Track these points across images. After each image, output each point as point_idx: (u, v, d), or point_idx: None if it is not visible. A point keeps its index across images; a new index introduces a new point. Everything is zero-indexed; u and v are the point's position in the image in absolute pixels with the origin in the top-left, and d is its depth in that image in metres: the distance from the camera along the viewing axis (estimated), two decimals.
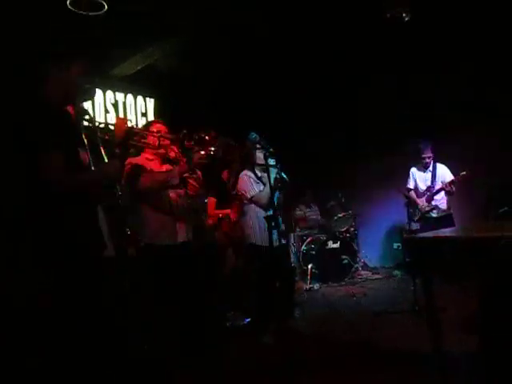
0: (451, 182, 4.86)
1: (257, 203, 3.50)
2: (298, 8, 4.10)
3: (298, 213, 6.73)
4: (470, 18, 4.49)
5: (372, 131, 6.15)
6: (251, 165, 3.49)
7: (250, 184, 3.54)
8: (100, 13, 3.60)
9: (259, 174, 3.56)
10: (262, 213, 3.47)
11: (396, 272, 6.08)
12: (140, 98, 5.11)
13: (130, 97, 5.01)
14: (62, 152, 1.82)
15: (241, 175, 3.60)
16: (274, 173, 3.36)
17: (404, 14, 4.30)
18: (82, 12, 3.56)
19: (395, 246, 6.59)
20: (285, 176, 3.50)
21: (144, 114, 5.12)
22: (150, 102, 5.21)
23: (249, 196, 3.52)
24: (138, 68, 4.66)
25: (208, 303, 3.56)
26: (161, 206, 2.95)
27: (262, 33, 4.50)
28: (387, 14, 4.28)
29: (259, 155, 3.39)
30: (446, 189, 4.89)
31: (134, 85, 5.00)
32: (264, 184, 3.49)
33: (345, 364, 2.91)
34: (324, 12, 4.23)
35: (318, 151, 6.70)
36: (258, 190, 3.49)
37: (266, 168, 3.17)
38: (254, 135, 2.85)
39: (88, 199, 2.01)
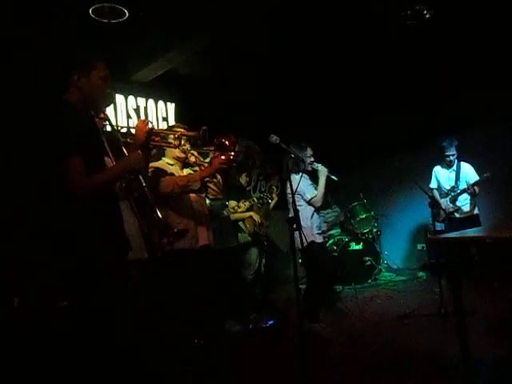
0: (474, 184, 4.73)
1: (312, 205, 3.80)
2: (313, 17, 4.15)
3: (321, 215, 6.69)
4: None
5: (394, 130, 6.06)
6: (302, 170, 3.71)
7: (307, 186, 3.81)
8: (121, 20, 3.66)
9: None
10: (315, 214, 3.85)
11: (420, 273, 5.96)
12: (161, 103, 5.17)
13: (151, 102, 5.07)
14: (83, 156, 1.84)
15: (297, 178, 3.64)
16: (324, 175, 3.78)
17: (425, 11, 4.23)
18: (103, 20, 3.63)
19: (419, 246, 6.47)
20: (334, 177, 3.87)
21: (165, 119, 5.18)
22: (171, 107, 5.26)
23: (308, 197, 3.77)
24: (159, 73, 4.71)
25: (227, 306, 3.58)
26: (182, 210, 2.98)
27: (279, 35, 4.50)
28: (408, 11, 4.21)
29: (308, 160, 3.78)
30: (469, 191, 4.76)
31: (155, 90, 5.06)
32: (315, 188, 3.84)
33: (368, 367, 2.86)
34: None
35: (340, 152, 6.65)
36: (314, 193, 3.78)
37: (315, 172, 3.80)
38: (274, 137, 2.84)
39: (110, 201, 2.03)
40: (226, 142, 2.90)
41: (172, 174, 2.98)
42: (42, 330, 2.53)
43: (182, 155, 3.05)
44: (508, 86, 4.99)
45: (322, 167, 3.86)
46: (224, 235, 3.94)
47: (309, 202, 3.80)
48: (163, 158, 3.08)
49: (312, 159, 3.93)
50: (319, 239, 3.91)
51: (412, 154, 5.94)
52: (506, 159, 5.10)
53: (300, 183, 3.59)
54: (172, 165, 3.05)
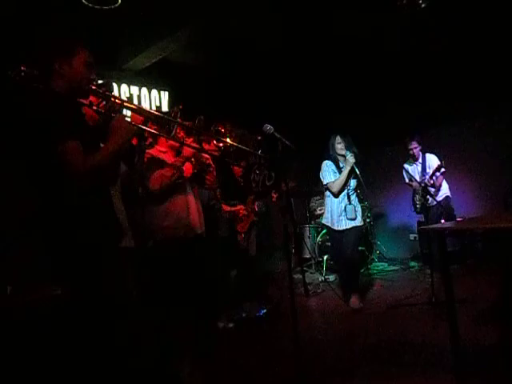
0: (432, 175, 4.84)
1: (328, 189, 4.00)
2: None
3: (312, 204, 6.71)
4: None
5: (387, 121, 6.06)
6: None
7: (328, 172, 3.99)
8: (113, 6, 3.60)
9: (341, 165, 4.01)
10: (335, 200, 4.03)
11: (412, 263, 6.03)
12: (154, 92, 5.13)
13: (144, 90, 5.03)
14: (78, 140, 1.81)
15: (323, 163, 4.06)
16: (349, 165, 3.88)
17: (420, 1, 4.20)
18: (96, 6, 3.57)
19: (411, 237, 6.52)
20: (357, 170, 3.92)
21: (158, 108, 5.14)
22: (164, 95, 5.22)
23: (325, 182, 4.00)
24: (152, 61, 4.66)
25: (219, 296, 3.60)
26: (176, 199, 2.96)
27: (275, 24, 4.47)
28: (403, 1, 4.18)
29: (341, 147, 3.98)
30: (429, 183, 4.83)
31: (149, 78, 5.02)
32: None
33: (359, 356, 2.90)
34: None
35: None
36: (332, 179, 3.95)
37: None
38: (268, 127, 2.84)
39: (103, 188, 2.02)
40: (222, 130, 2.86)
41: (163, 162, 2.95)
42: (35, 318, 2.53)
43: (177, 144, 3.01)
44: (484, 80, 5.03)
45: (351, 157, 3.90)
46: (218, 225, 3.94)
47: (326, 187, 3.99)
48: (155, 146, 3.05)
49: (341, 146, 4.00)
50: (341, 227, 4.02)
51: (404, 144, 5.94)
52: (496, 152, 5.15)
53: (323, 168, 3.95)
54: (165, 152, 3.02)
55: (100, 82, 2.18)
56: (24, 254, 2.95)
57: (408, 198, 5.86)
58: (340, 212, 4.02)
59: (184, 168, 2.97)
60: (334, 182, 3.96)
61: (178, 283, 2.86)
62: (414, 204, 5.22)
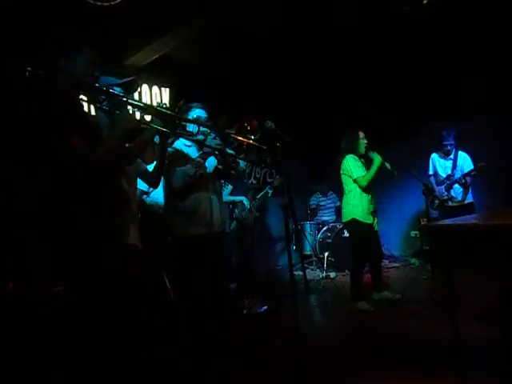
0: (466, 174, 4.77)
1: (357, 184, 4.06)
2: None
3: (313, 202, 6.71)
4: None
5: (389, 117, 6.05)
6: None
7: (356, 167, 4.08)
8: (114, 3, 3.59)
9: (362, 160, 4.19)
10: (363, 194, 4.08)
11: (413, 260, 6.04)
12: (155, 88, 5.13)
13: (145, 87, 5.02)
14: (81, 137, 1.82)
15: (347, 157, 4.13)
16: (376, 164, 4.03)
17: None
18: (96, 3, 3.55)
19: (412, 234, 6.53)
20: (388, 165, 4.14)
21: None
22: (166, 92, 5.21)
23: (355, 176, 4.05)
24: (153, 58, 4.66)
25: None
26: (201, 197, 2.93)
27: (275, 22, 4.46)
28: None
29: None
30: (461, 182, 4.80)
31: (149, 75, 5.01)
32: (364, 170, 4.10)
33: (359, 352, 2.91)
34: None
35: (335, 140, 6.63)
36: (361, 174, 4.06)
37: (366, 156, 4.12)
38: (269, 123, 2.82)
39: (109, 186, 2.02)
40: (248, 127, 2.82)
41: (187, 156, 2.94)
42: (37, 314, 2.53)
43: (201, 136, 2.96)
44: (506, 73, 5.01)
45: (376, 155, 4.08)
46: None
47: (355, 181, 4.04)
48: (181, 139, 3.00)
49: (366, 141, 4.16)
50: (366, 220, 4.09)
51: (407, 141, 5.94)
52: (503, 146, 5.14)
53: (349, 163, 4.05)
54: (189, 146, 3.00)
55: (127, 79, 2.19)
56: (25, 251, 2.95)
57: (409, 195, 5.87)
58: (368, 206, 4.11)
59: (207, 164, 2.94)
60: (363, 176, 4.05)
61: (192, 279, 2.85)
62: (431, 200, 4.98)
